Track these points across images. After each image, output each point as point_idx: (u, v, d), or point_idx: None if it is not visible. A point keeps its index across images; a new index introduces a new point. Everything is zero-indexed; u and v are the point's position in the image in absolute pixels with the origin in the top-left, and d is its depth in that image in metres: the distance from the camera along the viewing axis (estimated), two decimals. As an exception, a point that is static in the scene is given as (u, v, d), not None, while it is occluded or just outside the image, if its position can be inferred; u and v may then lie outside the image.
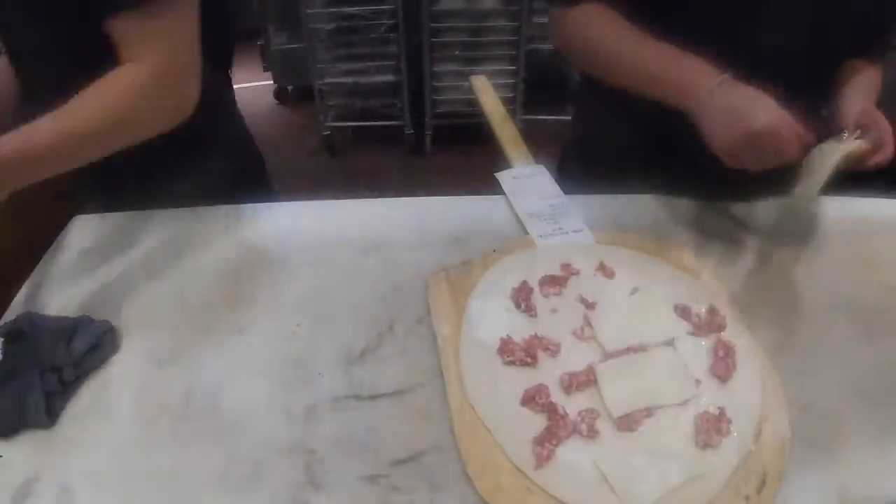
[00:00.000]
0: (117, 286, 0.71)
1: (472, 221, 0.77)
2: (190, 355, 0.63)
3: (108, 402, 0.58)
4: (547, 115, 2.82)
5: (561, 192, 0.79)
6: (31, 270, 0.74)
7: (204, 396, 0.59)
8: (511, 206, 0.78)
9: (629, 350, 0.55)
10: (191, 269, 0.74)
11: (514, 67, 2.54)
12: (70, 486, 0.51)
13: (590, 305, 0.60)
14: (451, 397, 0.48)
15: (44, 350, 0.59)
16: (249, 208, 0.83)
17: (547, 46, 2.58)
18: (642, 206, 0.80)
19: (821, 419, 0.54)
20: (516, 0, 2.39)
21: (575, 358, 0.53)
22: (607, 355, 0.54)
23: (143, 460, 0.53)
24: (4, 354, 0.59)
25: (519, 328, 0.56)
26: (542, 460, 0.46)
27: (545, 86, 2.83)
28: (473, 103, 2.60)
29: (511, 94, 2.61)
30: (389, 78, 2.55)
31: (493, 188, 0.83)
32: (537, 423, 0.48)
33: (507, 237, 0.74)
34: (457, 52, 2.54)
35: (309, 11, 2.38)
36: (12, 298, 0.70)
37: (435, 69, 2.52)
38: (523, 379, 0.50)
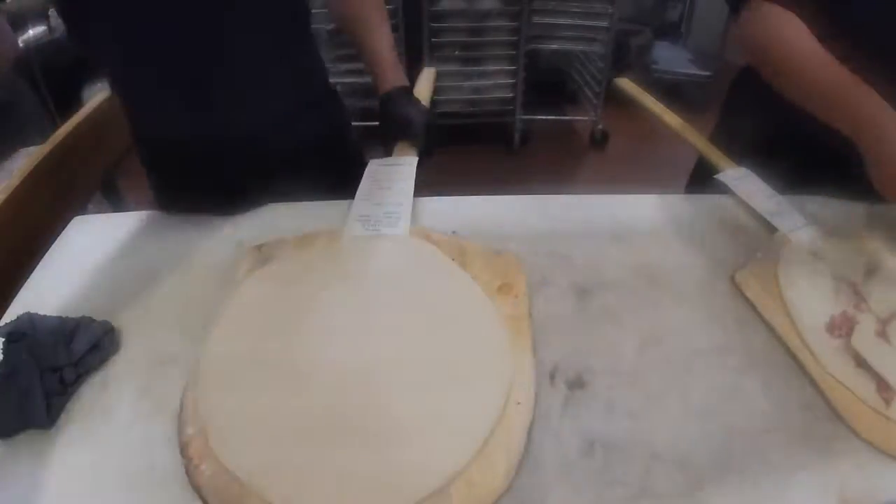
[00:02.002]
0: (117, 286, 0.71)
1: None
2: (190, 355, 0.63)
3: (108, 402, 0.58)
4: (547, 115, 2.83)
5: (774, 192, 0.81)
6: (31, 270, 0.74)
7: (204, 396, 0.59)
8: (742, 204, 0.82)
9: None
10: (191, 269, 0.74)
11: (514, 67, 2.54)
12: (70, 486, 0.51)
13: (853, 284, 0.70)
14: (810, 370, 0.61)
15: (44, 350, 0.59)
16: (248, 209, 0.83)
17: (547, 46, 2.58)
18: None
19: None
20: (516, 0, 2.39)
21: (865, 325, 0.65)
22: (882, 321, 0.65)
23: (143, 460, 0.53)
24: (4, 354, 0.59)
25: (827, 309, 0.67)
26: (888, 401, 0.57)
27: (545, 86, 2.83)
28: (474, 103, 2.64)
29: (511, 94, 2.61)
30: (389, 78, 2.55)
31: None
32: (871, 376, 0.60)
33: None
34: (457, 52, 2.54)
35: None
36: (12, 298, 0.70)
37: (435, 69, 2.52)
38: (849, 346, 0.63)
